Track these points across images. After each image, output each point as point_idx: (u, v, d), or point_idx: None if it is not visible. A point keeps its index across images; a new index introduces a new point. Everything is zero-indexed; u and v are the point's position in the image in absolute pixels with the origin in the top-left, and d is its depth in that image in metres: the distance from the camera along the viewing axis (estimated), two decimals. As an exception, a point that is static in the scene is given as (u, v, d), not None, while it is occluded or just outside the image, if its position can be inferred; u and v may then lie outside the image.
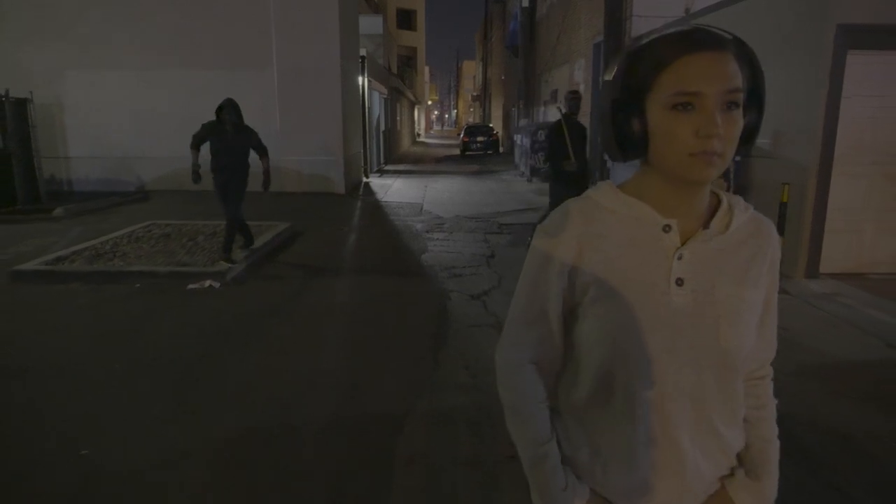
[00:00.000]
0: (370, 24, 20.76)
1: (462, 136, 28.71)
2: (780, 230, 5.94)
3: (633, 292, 0.95)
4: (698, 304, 0.95)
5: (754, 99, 0.94)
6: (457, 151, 28.98)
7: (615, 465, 1.01)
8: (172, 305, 5.16)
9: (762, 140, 6.51)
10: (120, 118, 12.27)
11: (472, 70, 73.45)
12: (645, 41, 0.93)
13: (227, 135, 5.94)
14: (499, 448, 2.92)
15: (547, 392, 1.09)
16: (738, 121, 0.89)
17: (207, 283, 5.71)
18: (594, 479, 1.04)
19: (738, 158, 6.68)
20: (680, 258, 0.95)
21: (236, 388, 3.60)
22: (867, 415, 3.30)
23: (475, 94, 59.80)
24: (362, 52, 15.38)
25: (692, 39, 0.88)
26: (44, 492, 2.58)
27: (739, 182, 6.76)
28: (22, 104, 10.51)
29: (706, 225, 0.98)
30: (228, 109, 5.88)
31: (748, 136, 0.95)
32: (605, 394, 1.00)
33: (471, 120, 60.35)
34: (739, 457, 1.08)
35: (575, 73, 15.95)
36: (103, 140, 12.28)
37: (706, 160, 0.87)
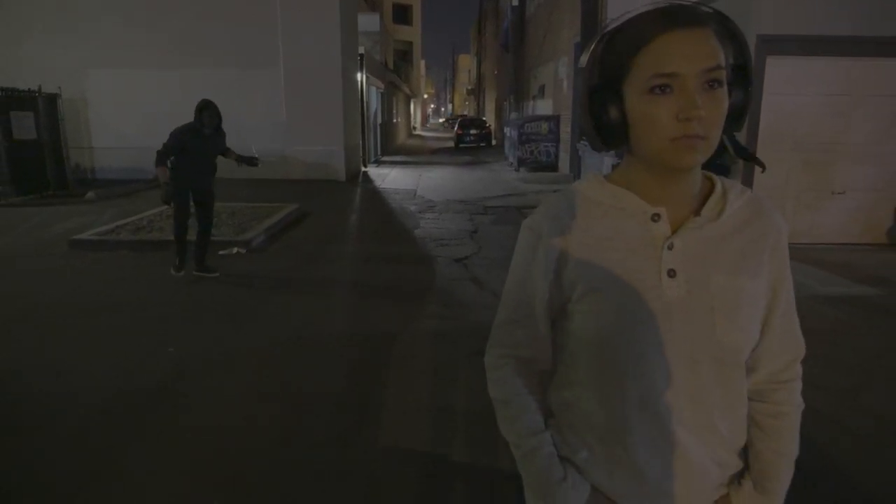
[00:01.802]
0: (367, 21, 21.78)
1: (456, 129, 29.79)
2: (713, 206, 7.11)
3: (623, 286, 0.91)
4: (692, 297, 0.91)
5: (740, 75, 0.88)
6: (451, 144, 30.05)
7: (619, 469, 0.97)
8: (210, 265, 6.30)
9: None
10: (138, 112, 13.36)
11: (467, 64, 74.44)
12: (617, 23, 0.87)
13: (205, 138, 5.53)
14: (466, 351, 4.08)
15: (537, 391, 1.06)
16: (723, 100, 0.83)
17: (235, 250, 6.85)
18: (598, 479, 1.00)
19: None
20: (670, 248, 0.91)
21: (271, 316, 4.76)
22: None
23: (470, 87, 60.81)
24: (361, 49, 16.47)
25: (666, 17, 0.83)
26: (152, 372, 3.73)
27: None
28: (52, 99, 11.61)
29: (697, 212, 0.93)
30: (211, 111, 5.49)
31: (737, 114, 0.89)
32: (598, 394, 0.97)
33: (466, 113, 61.38)
34: (748, 464, 1.03)
35: (559, 70, 17.08)
36: (123, 132, 13.38)
37: (689, 144, 0.82)
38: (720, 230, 0.92)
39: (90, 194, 10.78)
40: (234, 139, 13.11)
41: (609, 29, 0.88)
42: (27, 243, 7.31)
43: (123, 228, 7.64)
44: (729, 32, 0.86)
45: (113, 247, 6.96)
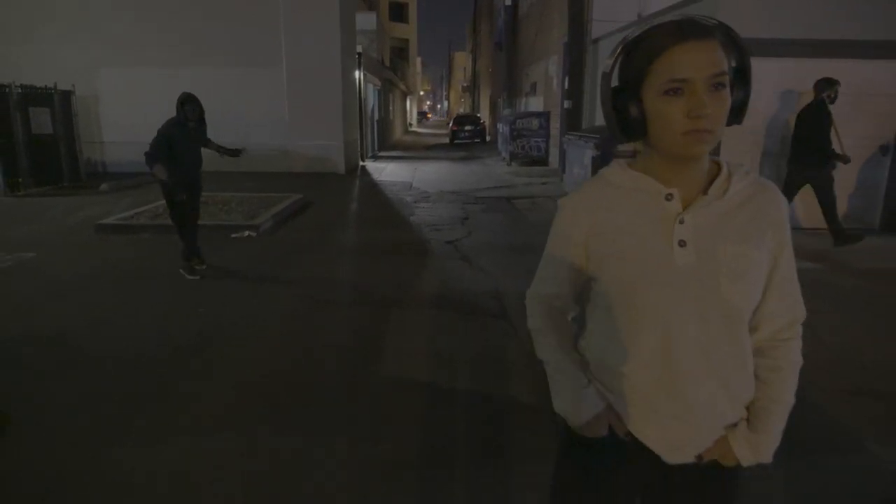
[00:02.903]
0: (364, 20, 22.41)
1: (451, 125, 30.43)
2: (682, 194, 7.82)
3: (642, 255, 1.08)
4: (701, 263, 1.06)
5: (741, 77, 1.04)
6: (446, 140, 30.69)
7: (632, 407, 1.16)
8: (224, 246, 6.99)
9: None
10: (148, 108, 13.88)
11: (463, 61, 74.92)
12: (637, 33, 1.03)
13: (190, 131, 5.62)
14: (457, 312, 4.78)
15: (566, 324, 1.28)
16: (726, 100, 0.99)
17: (246, 233, 7.53)
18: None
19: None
20: (682, 222, 1.06)
21: (284, 285, 5.45)
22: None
23: (465, 84, 61.40)
24: (359, 48, 17.13)
25: (679, 30, 0.98)
26: (187, 327, 4.41)
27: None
28: (66, 96, 12.25)
29: (705, 192, 1.07)
30: (193, 104, 5.53)
31: (738, 110, 1.05)
32: (622, 345, 1.13)
33: (461, 110, 61.96)
34: (748, 408, 1.16)
35: (550, 69, 17.76)
36: (133, 127, 13.93)
37: (698, 138, 0.98)
38: (726, 206, 1.08)
39: (104, 186, 11.42)
40: (239, 134, 13.83)
41: (629, 39, 1.04)
42: (56, 228, 7.97)
43: (142, 215, 8.31)
44: (732, 41, 1.03)
45: (136, 230, 7.63)
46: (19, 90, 10.91)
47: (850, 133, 7.88)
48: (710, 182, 1.09)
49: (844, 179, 8.04)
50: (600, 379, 1.22)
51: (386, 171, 15.66)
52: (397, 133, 34.47)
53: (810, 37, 7.40)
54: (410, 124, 52.84)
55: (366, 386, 3.49)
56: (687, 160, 1.06)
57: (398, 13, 43.47)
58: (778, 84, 7.68)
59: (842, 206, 8.14)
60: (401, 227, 8.34)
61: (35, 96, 11.39)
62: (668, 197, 1.08)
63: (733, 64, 1.03)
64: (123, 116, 14.06)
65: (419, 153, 22.97)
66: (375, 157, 20.17)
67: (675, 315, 1.08)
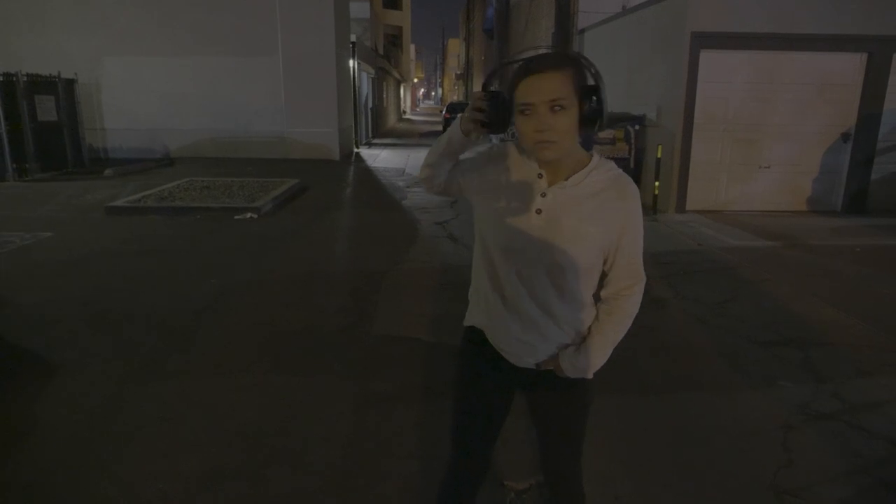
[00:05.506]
0: (358, 8, 22.71)
1: (444, 113, 30.80)
2: (656, 178, 8.35)
3: (512, 209, 1.44)
4: (547, 228, 1.41)
5: (593, 93, 1.30)
6: (440, 128, 31.04)
7: (490, 322, 1.56)
8: (228, 227, 7.48)
9: (651, 113, 8.89)
10: (149, 96, 14.42)
11: (457, 48, 74.89)
12: (505, 64, 1.43)
13: None
14: (442, 281, 5.31)
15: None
16: (565, 118, 1.28)
17: (248, 214, 8.03)
18: (482, 322, 1.59)
19: (637, 127, 9.02)
20: (543, 196, 1.41)
21: (286, 259, 5.96)
22: (676, 283, 5.72)
23: (459, 72, 61.54)
24: (352, 37, 17.51)
25: (527, 67, 1.31)
26: (203, 294, 4.92)
27: (638, 144, 9.08)
28: (70, 84, 12.63)
29: (567, 178, 1.40)
30: None
31: (590, 121, 1.31)
32: (485, 275, 1.53)
33: (455, 98, 62.16)
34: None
35: (539, 57, 18.17)
36: (134, 115, 14.43)
37: (544, 146, 1.31)
38: (579, 192, 1.41)
39: (108, 171, 11.86)
40: (239, 122, 14.24)
41: (504, 69, 1.45)
42: (68, 210, 8.43)
43: (148, 198, 8.78)
44: (582, 71, 1.32)
45: (144, 212, 8.11)
46: (25, 79, 11.29)
47: (814, 121, 8.44)
48: (576, 172, 1.42)
49: (808, 165, 8.60)
50: (474, 300, 1.62)
51: (380, 158, 16.13)
52: (391, 120, 34.79)
53: (777, 31, 7.89)
54: (404, 112, 53.03)
55: (361, 338, 4.03)
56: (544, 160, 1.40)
57: (391, 0, 43.50)
58: (747, 75, 8.19)
59: (806, 191, 8.72)
60: (393, 210, 8.85)
61: (40, 84, 11.76)
62: (539, 175, 1.44)
63: (591, 82, 1.33)
64: (124, 104, 14.47)
65: (412, 140, 23.40)
66: (369, 144, 20.59)
67: (517, 256, 1.46)
